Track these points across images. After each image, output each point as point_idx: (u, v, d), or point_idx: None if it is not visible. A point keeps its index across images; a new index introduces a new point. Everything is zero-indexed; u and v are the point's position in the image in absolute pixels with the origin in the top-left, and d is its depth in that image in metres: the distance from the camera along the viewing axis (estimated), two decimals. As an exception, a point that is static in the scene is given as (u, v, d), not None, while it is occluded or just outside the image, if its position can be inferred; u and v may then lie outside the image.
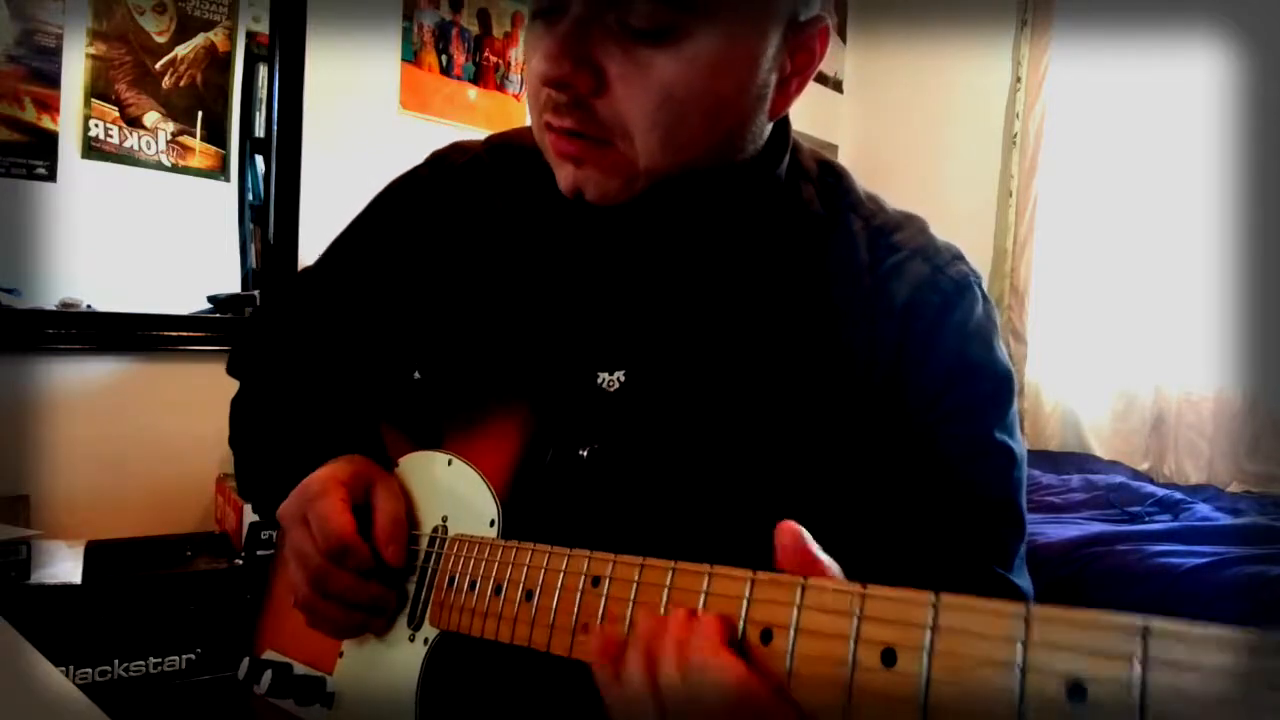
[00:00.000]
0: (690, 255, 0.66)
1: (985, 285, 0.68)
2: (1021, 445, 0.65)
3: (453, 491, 0.64)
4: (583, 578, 0.50)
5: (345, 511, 0.62)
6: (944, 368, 0.62)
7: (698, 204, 0.64)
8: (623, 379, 0.65)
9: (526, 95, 0.63)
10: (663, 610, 0.45)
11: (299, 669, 0.69)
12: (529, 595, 0.53)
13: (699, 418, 0.63)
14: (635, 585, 0.47)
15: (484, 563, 0.57)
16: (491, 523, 0.60)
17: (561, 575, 0.51)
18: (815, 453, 0.62)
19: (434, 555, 0.63)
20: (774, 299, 0.65)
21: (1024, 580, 0.65)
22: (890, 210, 0.69)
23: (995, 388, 0.64)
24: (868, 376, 0.62)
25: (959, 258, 0.67)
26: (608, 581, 0.48)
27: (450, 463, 0.65)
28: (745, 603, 0.42)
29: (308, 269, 0.85)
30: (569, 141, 0.59)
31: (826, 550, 0.44)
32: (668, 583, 0.46)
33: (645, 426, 0.64)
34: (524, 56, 0.63)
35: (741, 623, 0.42)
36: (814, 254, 0.65)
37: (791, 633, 0.40)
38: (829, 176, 0.70)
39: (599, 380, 0.65)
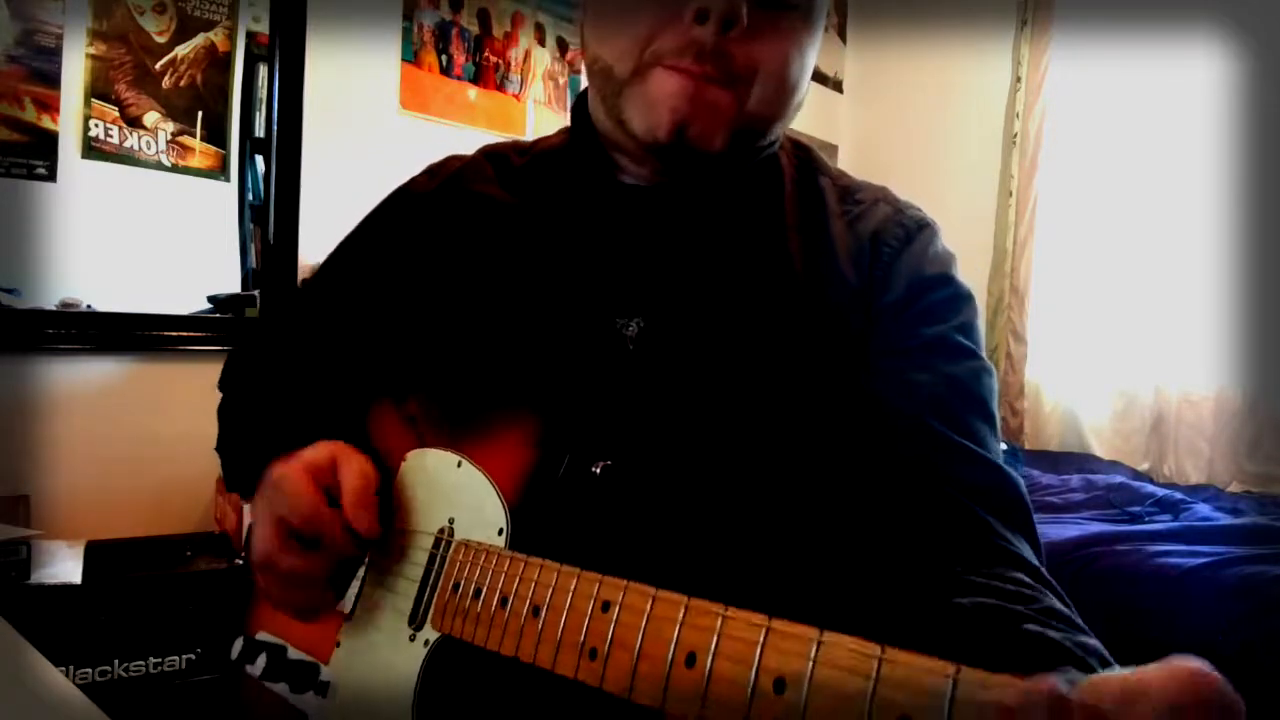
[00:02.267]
0: (708, 219, 0.72)
1: (941, 233, 0.74)
2: (989, 363, 0.70)
3: (461, 495, 0.64)
4: (592, 601, 0.49)
5: (311, 484, 0.62)
6: (905, 286, 0.69)
7: (737, 171, 0.71)
8: (641, 324, 0.68)
9: (619, 51, 0.66)
10: (671, 648, 0.44)
11: (294, 653, 0.68)
12: (536, 611, 0.52)
13: (712, 371, 0.66)
14: (646, 616, 0.46)
15: (491, 573, 0.57)
16: (500, 531, 0.60)
17: (570, 596, 0.50)
18: (813, 415, 0.65)
19: (439, 557, 0.63)
20: (767, 255, 0.70)
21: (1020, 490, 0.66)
22: (854, 178, 0.78)
23: (953, 296, 0.70)
24: (849, 314, 0.68)
25: (918, 209, 0.75)
26: (618, 608, 0.48)
27: (460, 465, 0.65)
28: (759, 649, 0.41)
29: (303, 286, 0.86)
30: (697, 84, 0.63)
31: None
32: (680, 618, 0.45)
33: (655, 419, 0.65)
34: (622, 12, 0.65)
35: (754, 670, 0.41)
36: (793, 211, 0.73)
37: (805, 687, 0.39)
38: (799, 151, 0.79)
39: (616, 325, 0.68)
